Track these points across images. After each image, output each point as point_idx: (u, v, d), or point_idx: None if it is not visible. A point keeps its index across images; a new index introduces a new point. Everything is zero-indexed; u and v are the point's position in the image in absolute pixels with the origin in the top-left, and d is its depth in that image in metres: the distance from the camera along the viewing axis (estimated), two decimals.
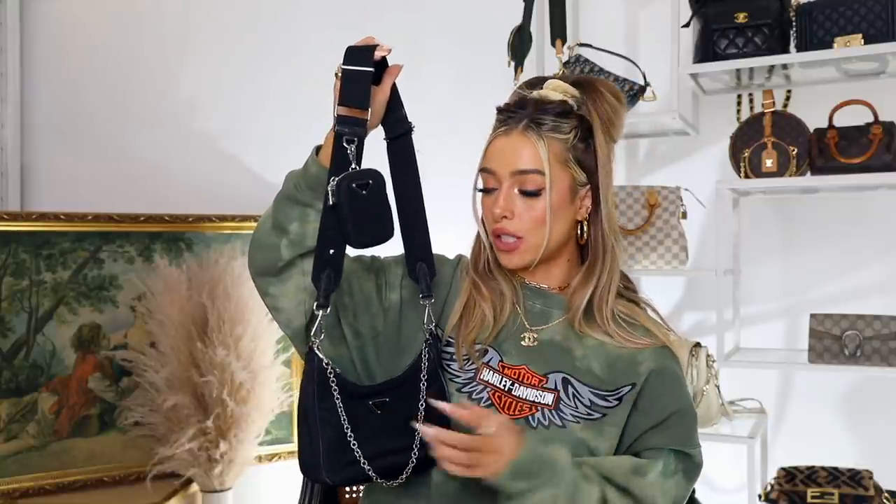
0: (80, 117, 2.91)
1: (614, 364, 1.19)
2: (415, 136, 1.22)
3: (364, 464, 1.11)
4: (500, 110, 1.23)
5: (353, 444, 1.11)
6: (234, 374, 2.21)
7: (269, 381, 2.30)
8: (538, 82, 1.24)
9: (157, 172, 2.79)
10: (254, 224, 2.46)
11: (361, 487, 1.88)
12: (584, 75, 1.29)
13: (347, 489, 1.95)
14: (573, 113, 1.19)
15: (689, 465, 1.18)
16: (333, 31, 2.66)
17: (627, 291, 1.27)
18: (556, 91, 1.20)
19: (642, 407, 1.17)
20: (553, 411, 1.16)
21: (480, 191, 1.22)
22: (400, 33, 2.58)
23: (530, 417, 1.16)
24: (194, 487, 2.34)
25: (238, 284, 2.28)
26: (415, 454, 1.13)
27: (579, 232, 1.22)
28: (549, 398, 1.17)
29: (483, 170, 1.21)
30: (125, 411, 2.30)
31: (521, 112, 1.19)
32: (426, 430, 1.07)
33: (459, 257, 1.32)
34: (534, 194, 1.17)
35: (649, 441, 1.17)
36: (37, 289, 2.25)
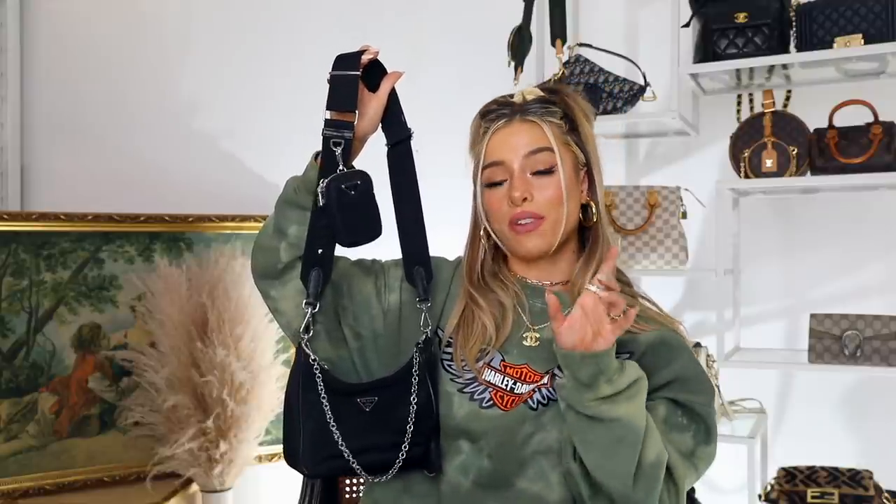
0: (80, 117, 2.91)
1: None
2: (416, 137, 1.23)
3: (348, 456, 1.13)
4: (484, 114, 1.25)
5: (338, 438, 1.13)
6: (234, 374, 2.21)
7: (269, 381, 2.30)
8: (510, 96, 1.27)
9: (157, 172, 2.79)
10: (254, 224, 2.48)
11: (362, 487, 1.88)
12: (548, 84, 1.32)
13: (347, 489, 1.95)
14: (556, 104, 1.23)
15: (701, 424, 1.15)
16: (335, 31, 2.66)
17: (625, 286, 1.28)
18: (531, 93, 1.24)
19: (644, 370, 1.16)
20: (549, 388, 1.17)
21: (489, 185, 1.22)
22: (400, 34, 2.60)
23: (529, 400, 1.17)
24: (194, 487, 2.34)
25: (238, 284, 2.28)
26: (403, 454, 1.14)
27: (583, 216, 1.24)
28: (545, 379, 1.18)
29: (489, 165, 1.22)
30: (125, 411, 2.29)
31: (509, 108, 1.22)
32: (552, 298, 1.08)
33: (459, 259, 1.33)
34: (547, 172, 1.19)
35: (650, 398, 1.15)
36: (37, 289, 2.25)
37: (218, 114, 2.81)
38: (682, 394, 1.16)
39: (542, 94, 1.24)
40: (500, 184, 1.21)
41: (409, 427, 1.14)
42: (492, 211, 1.23)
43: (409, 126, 1.22)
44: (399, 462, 1.15)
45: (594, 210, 1.24)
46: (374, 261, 1.32)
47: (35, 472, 2.23)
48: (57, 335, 2.27)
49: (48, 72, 2.93)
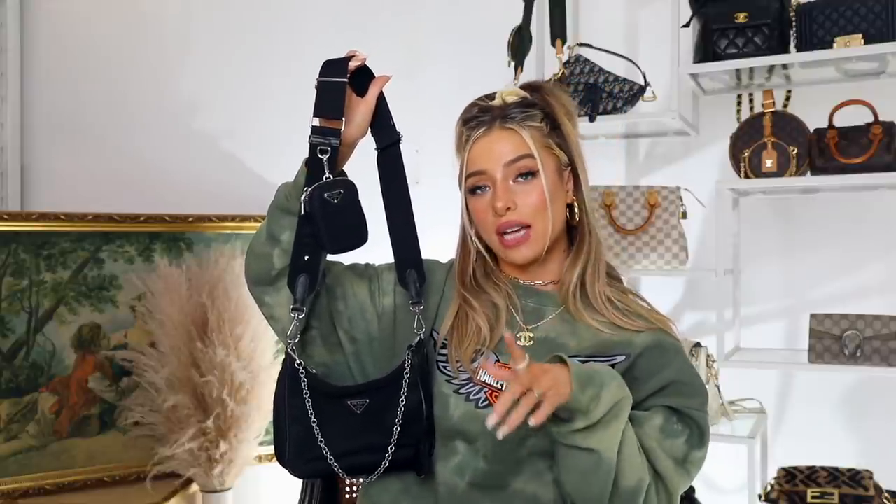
0: (80, 117, 2.91)
1: (609, 344, 1.20)
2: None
3: (331, 460, 1.15)
4: (466, 120, 1.24)
5: (321, 441, 1.14)
6: (234, 374, 2.21)
7: (269, 381, 2.30)
8: (490, 96, 1.27)
9: (157, 172, 2.79)
10: (254, 224, 2.48)
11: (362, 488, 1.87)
12: (529, 82, 1.33)
13: (347, 490, 1.95)
14: (536, 105, 1.23)
15: (694, 428, 1.16)
16: (334, 31, 2.66)
17: (611, 279, 1.28)
18: (511, 95, 1.24)
19: (639, 376, 1.17)
20: None
21: (472, 191, 1.23)
22: (399, 34, 2.60)
23: None
24: (194, 487, 2.34)
25: (238, 284, 2.28)
26: (389, 455, 1.16)
27: (569, 214, 1.25)
28: None
29: (472, 174, 1.22)
30: (125, 411, 2.29)
31: (490, 115, 1.22)
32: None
33: (452, 261, 1.33)
34: (529, 179, 1.19)
35: (647, 405, 1.17)
36: (37, 289, 2.25)
37: (218, 114, 2.81)
38: (678, 398, 1.16)
39: (522, 94, 1.23)
40: (484, 192, 1.22)
41: (397, 429, 1.15)
42: (478, 220, 1.23)
43: (398, 130, 1.22)
44: (385, 463, 1.16)
45: (577, 209, 1.24)
46: (367, 265, 1.32)
47: (35, 472, 2.23)
48: (57, 335, 2.27)
49: (48, 72, 2.93)
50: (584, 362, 1.16)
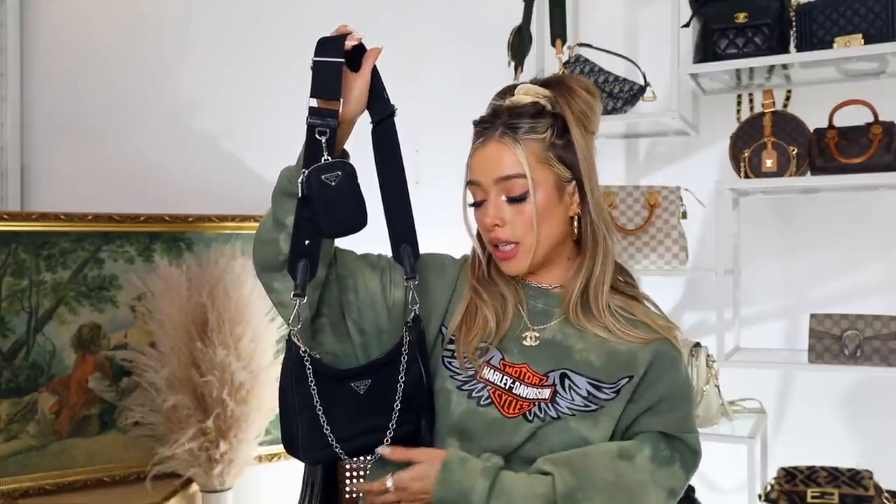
0: (80, 117, 2.91)
1: (614, 357, 1.19)
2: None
3: (336, 447, 1.15)
4: (476, 123, 1.24)
5: (326, 429, 1.14)
6: (234, 374, 2.21)
7: (269, 381, 2.30)
8: (509, 90, 1.26)
9: (157, 172, 2.79)
10: (254, 224, 2.47)
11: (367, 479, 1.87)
12: (554, 75, 1.31)
13: (347, 489, 1.96)
14: (546, 112, 1.21)
15: (686, 451, 1.17)
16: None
17: (627, 287, 1.27)
18: (527, 95, 1.22)
19: (637, 395, 1.18)
20: (549, 404, 1.17)
21: (472, 205, 1.23)
22: (400, 34, 2.60)
23: (527, 413, 1.17)
24: (194, 487, 2.34)
25: (238, 284, 2.28)
26: (390, 433, 1.16)
27: (574, 228, 1.24)
28: (546, 393, 1.18)
29: (469, 183, 1.23)
30: (125, 411, 2.29)
31: (496, 121, 1.21)
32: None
33: (466, 257, 1.33)
34: (520, 199, 1.18)
35: (640, 425, 1.18)
36: (37, 289, 2.25)
37: (218, 114, 2.81)
38: (667, 418, 1.17)
39: (535, 97, 1.22)
40: (480, 202, 1.22)
41: (397, 405, 1.16)
42: (478, 226, 1.24)
43: (392, 102, 1.21)
44: (387, 441, 1.16)
45: (577, 223, 1.23)
46: (380, 256, 1.31)
47: (35, 472, 2.23)
48: (57, 335, 2.27)
49: (48, 72, 2.93)
50: (592, 384, 1.17)
